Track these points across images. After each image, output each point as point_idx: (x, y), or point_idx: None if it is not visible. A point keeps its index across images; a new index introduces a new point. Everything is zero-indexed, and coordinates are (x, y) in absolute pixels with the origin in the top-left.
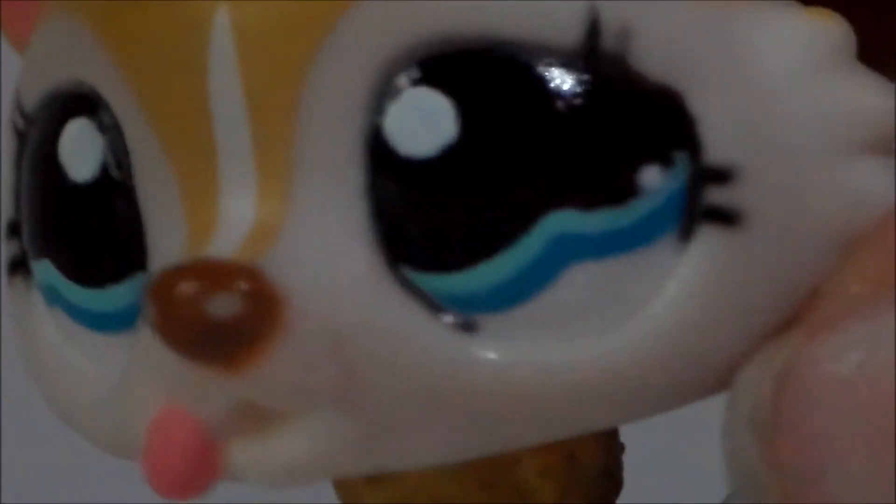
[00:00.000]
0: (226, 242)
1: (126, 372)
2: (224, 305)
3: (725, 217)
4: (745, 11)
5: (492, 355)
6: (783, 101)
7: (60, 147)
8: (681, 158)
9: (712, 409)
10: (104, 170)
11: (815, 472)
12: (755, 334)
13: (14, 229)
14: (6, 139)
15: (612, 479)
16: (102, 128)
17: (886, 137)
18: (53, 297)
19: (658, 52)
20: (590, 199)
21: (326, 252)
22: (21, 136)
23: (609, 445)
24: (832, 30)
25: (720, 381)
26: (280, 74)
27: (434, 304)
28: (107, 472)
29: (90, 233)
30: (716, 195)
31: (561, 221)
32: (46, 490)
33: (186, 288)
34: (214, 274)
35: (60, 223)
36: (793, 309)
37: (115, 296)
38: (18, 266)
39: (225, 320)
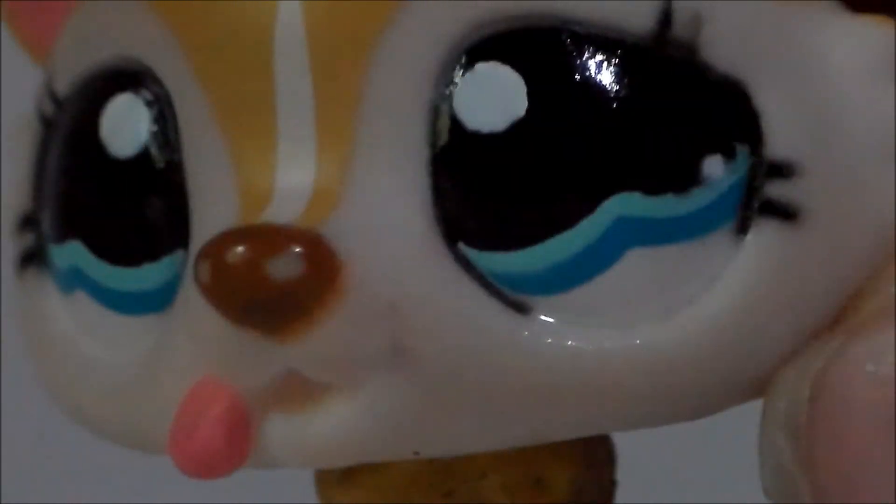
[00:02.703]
0: (283, 209)
1: (158, 350)
2: (282, 268)
3: (784, 212)
4: (814, 13)
5: (543, 338)
6: (849, 104)
7: (102, 124)
8: (743, 151)
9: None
10: (148, 145)
11: (850, 475)
12: (805, 333)
13: (27, 222)
14: (26, 130)
15: None
16: (149, 102)
17: None
18: (76, 281)
19: (727, 44)
20: (654, 184)
21: (385, 222)
22: (48, 123)
23: (581, 476)
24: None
25: (766, 381)
26: (349, 43)
27: (488, 284)
28: (107, 472)
29: (128, 209)
30: (775, 190)
31: (624, 204)
32: (47, 490)
33: (244, 249)
34: (273, 237)
35: (96, 200)
36: (843, 306)
37: (151, 274)
38: (31, 258)
39: (282, 283)
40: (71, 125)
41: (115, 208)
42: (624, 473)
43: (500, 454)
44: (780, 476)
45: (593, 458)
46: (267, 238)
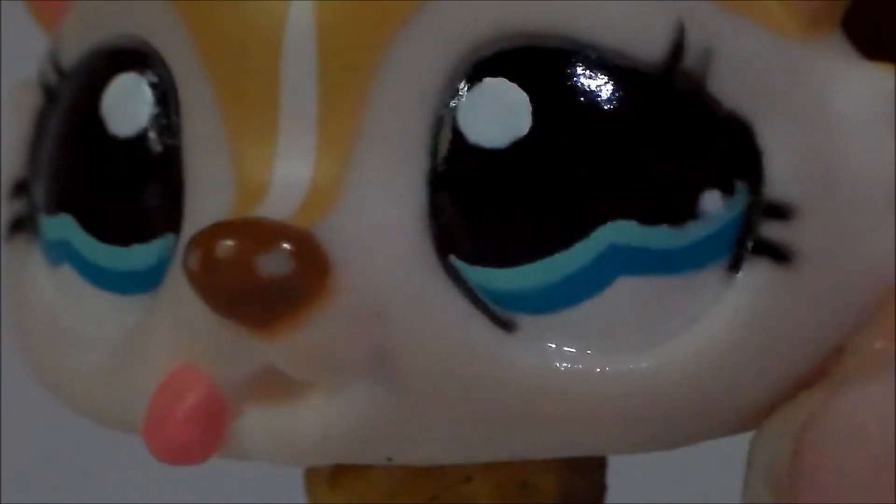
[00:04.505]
0: (278, 205)
1: (141, 331)
2: (272, 264)
3: (777, 253)
4: (825, 56)
5: (526, 357)
6: (853, 150)
7: (104, 101)
8: (742, 189)
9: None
10: (148, 127)
11: None
12: (788, 376)
13: (20, 188)
14: (29, 97)
15: None
16: (153, 84)
17: None
18: (64, 255)
19: (736, 80)
20: (651, 214)
21: (378, 228)
22: (51, 93)
23: (568, 480)
24: None
25: (747, 419)
26: (357, 47)
27: (476, 298)
28: (107, 471)
29: (123, 189)
30: (771, 230)
31: (619, 231)
32: (47, 489)
33: (235, 243)
34: (265, 233)
35: (92, 176)
36: (826, 356)
37: (139, 255)
38: (21, 226)
39: (271, 280)
40: (72, 98)
41: (108, 186)
42: (615, 477)
43: None
44: None
45: (582, 463)
46: (259, 233)
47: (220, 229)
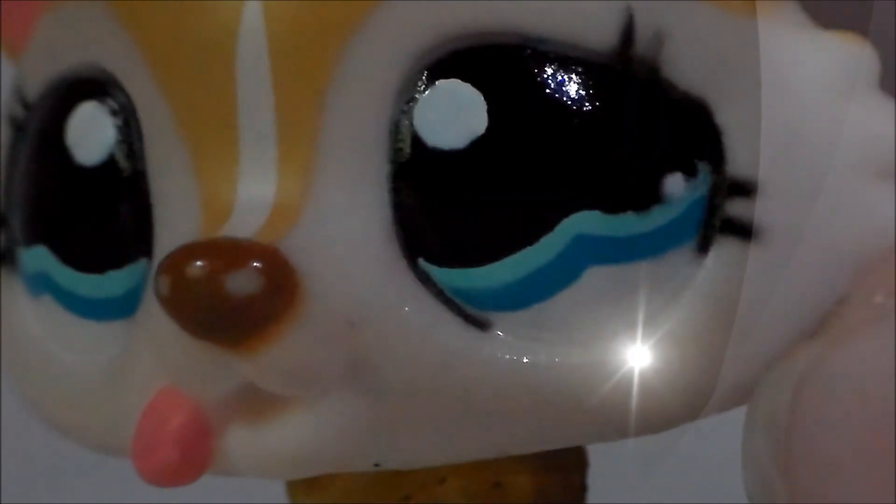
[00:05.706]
0: (243, 223)
1: (123, 356)
2: (241, 284)
3: (745, 230)
4: (779, 29)
5: (502, 354)
6: (810, 121)
7: (67, 130)
8: (704, 169)
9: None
10: (113, 154)
11: (824, 480)
12: (769, 352)
13: (1, 222)
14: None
15: None
16: (114, 111)
17: None
18: (44, 285)
19: (689, 61)
20: (614, 203)
21: (345, 238)
22: (18, 127)
23: (543, 480)
24: (860, 54)
25: (731, 396)
26: (310, 60)
27: (447, 299)
28: (107, 472)
29: (94, 217)
30: (736, 208)
31: (584, 222)
32: (46, 490)
33: (203, 264)
34: (232, 252)
35: (62, 206)
36: (805, 325)
37: (114, 282)
38: (2, 258)
39: (241, 299)
40: (38, 131)
41: (79, 215)
42: (597, 477)
43: None
44: (761, 479)
45: (558, 462)
46: (226, 253)
47: (188, 251)
